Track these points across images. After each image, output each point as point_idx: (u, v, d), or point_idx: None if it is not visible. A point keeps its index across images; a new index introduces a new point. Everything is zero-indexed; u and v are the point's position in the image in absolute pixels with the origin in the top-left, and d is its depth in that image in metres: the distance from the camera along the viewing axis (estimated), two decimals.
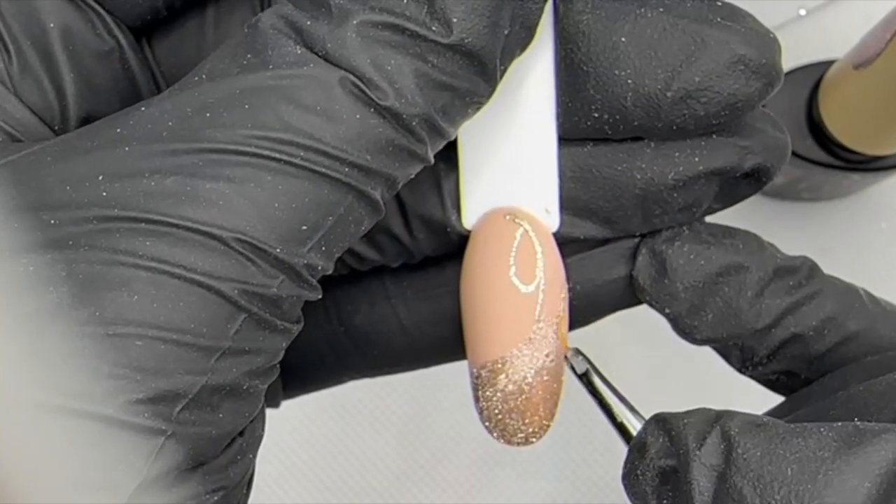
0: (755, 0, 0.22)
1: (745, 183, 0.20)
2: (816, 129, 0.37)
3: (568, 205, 0.20)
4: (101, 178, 0.15)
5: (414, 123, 0.16)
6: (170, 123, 0.15)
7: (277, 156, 0.15)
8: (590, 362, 0.20)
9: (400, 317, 0.22)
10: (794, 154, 0.37)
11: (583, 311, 0.21)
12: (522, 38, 0.17)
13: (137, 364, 0.14)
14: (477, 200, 0.20)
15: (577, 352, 0.20)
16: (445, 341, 0.22)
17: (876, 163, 0.37)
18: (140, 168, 0.15)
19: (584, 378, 0.20)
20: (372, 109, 0.16)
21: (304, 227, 0.15)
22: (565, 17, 0.18)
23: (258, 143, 0.15)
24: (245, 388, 0.16)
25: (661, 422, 0.18)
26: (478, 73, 0.16)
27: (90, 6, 0.18)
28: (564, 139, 0.19)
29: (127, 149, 0.15)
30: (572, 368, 0.20)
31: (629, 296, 0.21)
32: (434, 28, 0.16)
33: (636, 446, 0.19)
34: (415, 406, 0.40)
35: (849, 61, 0.34)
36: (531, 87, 0.19)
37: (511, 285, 0.19)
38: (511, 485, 0.39)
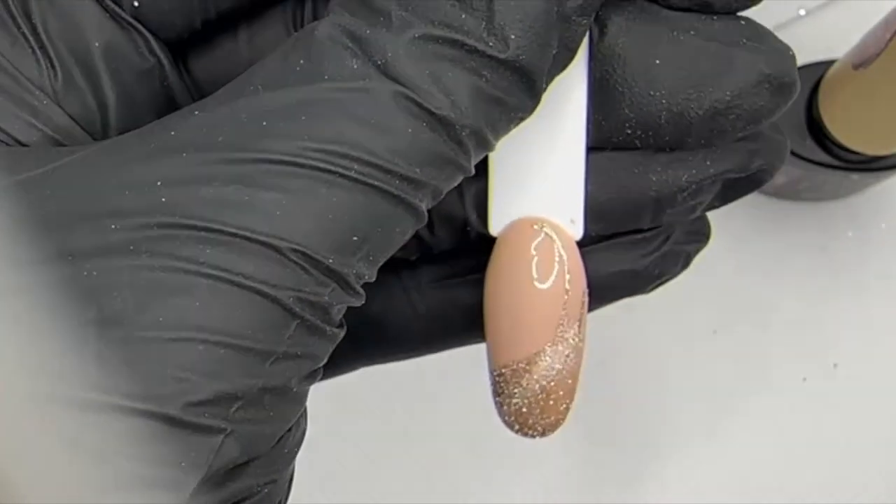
0: None
1: (745, 182, 0.21)
2: (816, 129, 0.37)
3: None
4: (159, 183, 0.15)
5: (464, 135, 0.16)
6: (225, 129, 0.16)
7: (333, 168, 0.16)
8: None
9: (415, 305, 0.22)
10: (794, 154, 0.37)
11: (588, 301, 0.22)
12: (565, 59, 0.18)
13: (199, 368, 0.15)
14: (505, 208, 0.21)
15: None
16: (457, 328, 0.22)
17: (876, 163, 0.37)
18: (198, 175, 0.15)
19: None
20: (425, 123, 0.16)
21: (355, 238, 0.16)
22: (601, 41, 0.19)
23: (314, 156, 0.16)
24: (294, 390, 0.17)
25: None
26: (526, 89, 0.17)
27: (133, 26, 0.18)
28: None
29: (185, 155, 0.16)
30: None
31: (633, 287, 0.22)
32: (491, 43, 0.16)
33: None
34: (415, 405, 0.40)
35: (849, 61, 0.34)
36: (564, 103, 0.20)
37: (537, 289, 0.20)
38: (510, 481, 0.39)
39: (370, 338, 0.23)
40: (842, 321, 0.40)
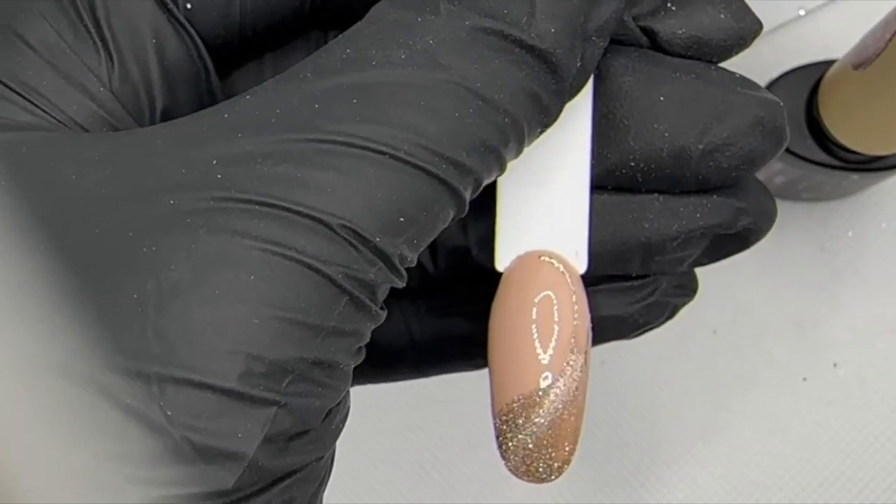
0: (755, 0, 0.22)
1: (732, 241, 0.22)
2: (816, 129, 0.37)
3: None
4: (215, 162, 0.16)
5: (506, 123, 0.17)
6: (277, 111, 0.16)
7: (382, 149, 0.16)
8: None
9: (412, 332, 0.23)
10: (795, 154, 0.37)
11: None
12: (581, 79, 0.18)
13: (254, 340, 0.15)
14: (511, 243, 0.21)
15: None
16: (452, 357, 0.23)
17: (876, 163, 0.37)
18: (252, 153, 0.16)
19: None
20: (471, 109, 0.17)
21: (402, 220, 0.16)
22: (606, 78, 0.20)
23: (365, 136, 0.16)
24: (341, 366, 0.17)
25: None
26: (556, 91, 0.18)
27: (186, 29, 0.19)
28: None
29: (239, 135, 0.16)
30: None
31: (616, 332, 0.23)
32: (533, 34, 0.17)
33: None
34: (415, 405, 0.40)
35: (848, 61, 0.34)
36: (570, 137, 0.20)
37: (548, 321, 0.20)
38: (508, 481, 0.39)
39: (366, 360, 0.23)
40: (842, 321, 0.40)
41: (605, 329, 0.23)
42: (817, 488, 0.39)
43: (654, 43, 0.20)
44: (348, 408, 0.18)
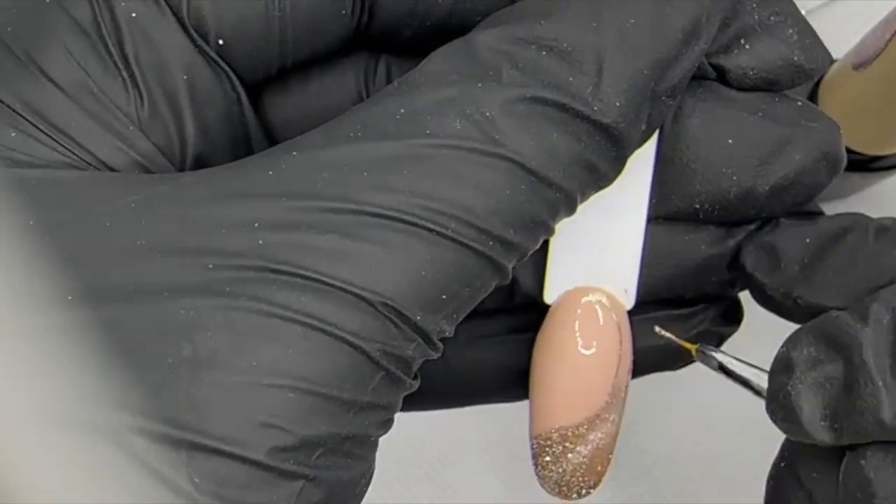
0: None
1: None
2: None
3: None
4: (256, 225, 0.15)
5: (558, 198, 0.17)
6: (325, 175, 0.16)
7: (431, 226, 0.16)
8: (719, 350, 0.21)
9: (448, 360, 0.23)
10: None
11: None
12: (645, 136, 0.18)
13: (287, 414, 0.15)
14: (561, 278, 0.21)
15: (703, 352, 0.21)
16: (486, 386, 0.23)
17: (876, 163, 0.37)
18: (297, 221, 0.15)
19: (721, 369, 0.21)
20: (524, 185, 0.16)
21: (444, 297, 0.16)
22: (675, 121, 0.20)
23: (414, 211, 0.16)
24: (371, 438, 0.17)
25: (802, 332, 0.18)
26: (616, 158, 0.17)
27: (218, 63, 0.18)
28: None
29: (284, 200, 0.16)
30: (708, 364, 0.21)
31: (665, 363, 0.23)
32: (596, 108, 0.16)
33: (778, 367, 0.19)
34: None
35: (848, 61, 0.34)
36: (631, 177, 0.20)
37: (592, 357, 0.20)
38: (508, 481, 0.39)
39: None
40: None
41: (653, 359, 0.22)
42: None
43: (722, 78, 0.20)
44: (372, 471, 0.18)
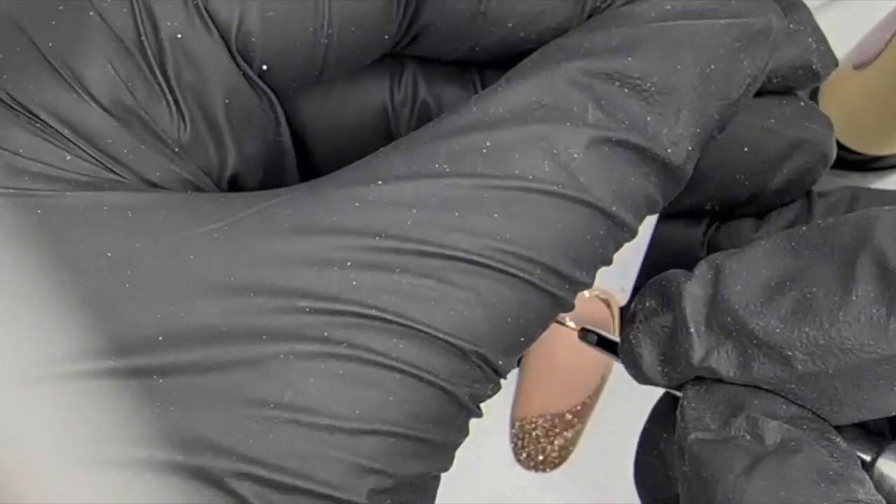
0: None
1: None
2: None
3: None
4: (349, 264, 0.15)
5: (626, 237, 0.17)
6: (415, 212, 0.16)
7: (520, 274, 0.16)
8: (595, 331, 0.22)
9: None
10: None
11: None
12: None
13: (387, 459, 0.16)
14: None
15: (585, 330, 0.22)
16: None
17: (876, 163, 0.37)
18: (390, 263, 0.16)
19: (599, 343, 0.22)
20: (601, 231, 0.16)
21: (523, 339, 0.17)
22: None
23: (503, 258, 0.16)
24: (446, 471, 0.17)
25: (646, 287, 0.19)
26: (672, 193, 0.17)
27: (261, 87, 0.18)
28: None
29: (377, 239, 0.16)
30: (587, 342, 0.22)
31: None
32: (670, 150, 0.17)
33: (627, 319, 0.20)
34: None
35: (849, 61, 0.34)
36: None
37: (584, 350, 0.21)
38: (508, 482, 0.39)
39: None
40: None
41: None
42: None
43: None
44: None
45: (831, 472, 0.15)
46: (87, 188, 0.16)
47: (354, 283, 0.15)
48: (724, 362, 0.17)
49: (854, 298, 0.16)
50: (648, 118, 0.16)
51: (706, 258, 0.18)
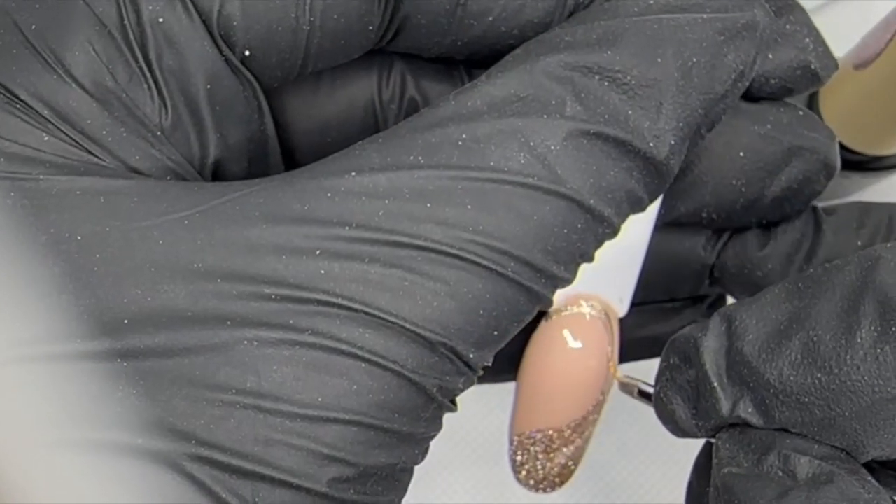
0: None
1: None
2: None
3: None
4: (318, 253, 0.15)
5: (607, 233, 0.17)
6: (386, 202, 0.16)
7: (492, 266, 0.16)
8: (636, 383, 0.21)
9: None
10: None
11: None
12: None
13: (349, 447, 0.16)
14: None
15: (627, 382, 0.22)
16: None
17: (876, 163, 0.37)
18: (360, 253, 0.15)
19: (640, 394, 0.21)
20: (580, 224, 0.16)
21: (496, 333, 0.16)
22: None
23: (475, 249, 0.16)
24: (417, 464, 0.17)
25: (668, 345, 0.19)
26: (658, 190, 0.17)
27: (242, 72, 0.18)
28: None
29: (346, 229, 0.15)
30: (627, 392, 0.22)
31: (653, 352, 0.23)
32: (652, 143, 0.16)
33: (657, 377, 0.20)
34: None
35: (849, 61, 0.34)
36: None
37: (582, 363, 0.21)
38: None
39: None
40: None
41: (642, 349, 0.23)
42: None
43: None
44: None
45: (863, 503, 0.15)
46: (62, 171, 0.16)
47: (322, 272, 0.15)
48: (750, 411, 0.17)
49: (859, 340, 0.16)
50: (629, 112, 0.16)
51: (719, 310, 0.18)
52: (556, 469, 0.21)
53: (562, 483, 0.22)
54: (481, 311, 0.16)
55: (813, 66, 0.20)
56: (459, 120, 0.16)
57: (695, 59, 0.17)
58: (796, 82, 0.20)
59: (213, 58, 0.17)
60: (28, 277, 0.15)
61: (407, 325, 0.16)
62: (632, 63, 0.16)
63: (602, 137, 0.16)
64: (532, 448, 0.21)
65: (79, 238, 0.15)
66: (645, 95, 0.16)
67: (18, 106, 0.16)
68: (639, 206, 0.17)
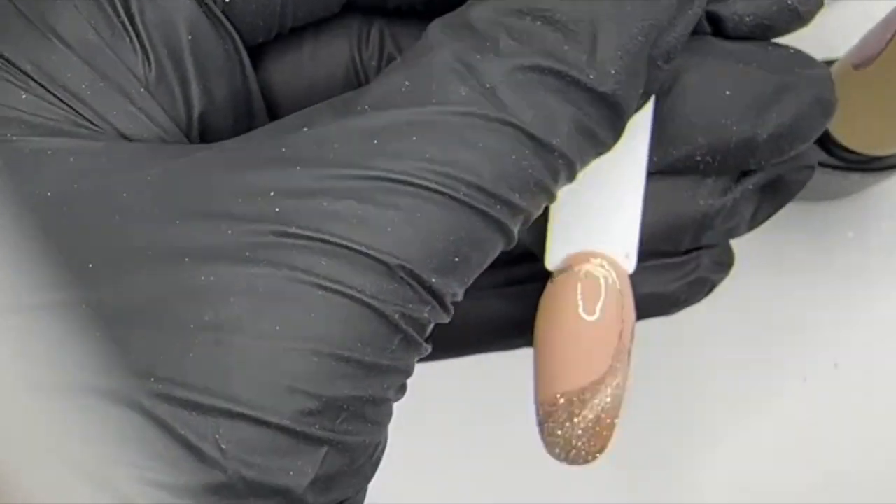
0: None
1: (774, 199, 0.23)
2: None
3: None
4: (272, 194, 0.16)
5: (560, 164, 0.17)
6: (336, 146, 0.16)
7: (443, 189, 0.16)
8: None
9: None
10: None
11: None
12: (642, 102, 0.18)
13: (311, 379, 0.15)
14: (562, 243, 0.21)
15: None
16: (486, 337, 0.23)
17: (876, 163, 0.37)
18: (312, 188, 0.16)
19: None
20: (528, 150, 0.16)
21: (456, 259, 0.16)
22: (672, 73, 0.20)
23: (425, 175, 0.16)
24: (390, 402, 0.17)
25: None
26: (613, 125, 0.17)
27: (222, 23, 0.18)
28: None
29: (298, 168, 0.16)
30: None
31: (658, 309, 0.23)
32: (592, 76, 0.17)
33: None
34: (416, 402, 0.40)
35: (849, 61, 0.34)
36: (628, 141, 0.20)
37: (596, 322, 0.21)
38: (509, 482, 0.39)
39: None
40: (842, 321, 0.40)
41: (647, 306, 0.23)
42: (817, 488, 0.39)
43: (718, 27, 0.20)
44: (386, 439, 0.19)
45: None
46: (36, 132, 0.17)
47: (277, 209, 0.15)
48: None
49: None
50: (565, 47, 0.16)
51: None
52: (585, 435, 0.21)
53: (596, 452, 0.21)
54: (437, 236, 0.16)
55: (791, 3, 0.20)
56: (400, 69, 0.17)
57: None
58: (775, 20, 0.20)
59: (193, 8, 0.18)
60: (0, 234, 0.15)
61: (363, 250, 0.16)
62: (561, 1, 0.17)
63: (538, 70, 0.16)
64: (555, 415, 0.21)
65: (48, 195, 0.16)
66: (577, 30, 0.17)
67: (0, 64, 0.17)
68: (596, 140, 0.18)
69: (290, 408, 0.15)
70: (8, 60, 0.17)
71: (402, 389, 0.18)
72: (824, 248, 0.41)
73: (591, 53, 0.17)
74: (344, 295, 0.16)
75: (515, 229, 0.17)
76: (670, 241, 0.22)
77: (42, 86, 0.17)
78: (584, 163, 0.18)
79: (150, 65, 0.18)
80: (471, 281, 0.17)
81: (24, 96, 0.17)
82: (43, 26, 0.17)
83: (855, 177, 0.38)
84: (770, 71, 0.20)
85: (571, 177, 0.18)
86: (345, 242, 0.16)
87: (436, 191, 0.16)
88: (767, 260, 0.40)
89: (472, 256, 0.17)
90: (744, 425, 0.40)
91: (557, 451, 0.21)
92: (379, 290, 0.16)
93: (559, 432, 0.21)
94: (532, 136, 0.16)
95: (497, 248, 0.17)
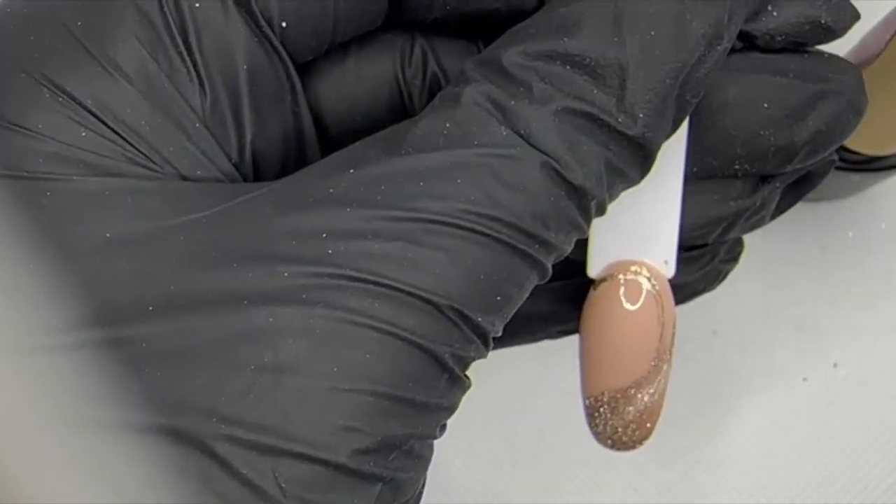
0: None
1: (796, 191, 0.23)
2: None
3: None
4: (324, 235, 0.16)
5: (591, 204, 0.18)
6: (383, 187, 0.16)
7: (486, 231, 0.17)
8: None
9: None
10: None
11: None
12: (671, 132, 0.19)
13: (367, 418, 0.16)
14: (604, 251, 0.22)
15: None
16: (516, 331, 0.23)
17: (876, 163, 0.37)
18: (362, 230, 0.16)
19: None
20: (563, 192, 0.17)
21: (499, 298, 0.17)
22: (710, 92, 0.20)
23: (469, 218, 0.16)
24: (435, 437, 0.18)
25: None
26: (642, 163, 0.18)
27: (276, 50, 0.19)
28: None
29: (348, 210, 0.16)
30: None
31: (679, 297, 0.23)
32: (621, 119, 0.17)
33: None
34: None
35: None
36: (666, 153, 0.20)
37: (635, 325, 0.22)
38: (511, 481, 0.39)
39: None
40: (842, 321, 0.40)
41: (679, 293, 0.23)
42: (817, 488, 0.39)
43: (751, 45, 0.20)
44: (427, 473, 0.19)
45: None
46: (95, 172, 0.17)
47: (330, 251, 0.16)
48: None
49: None
50: (594, 91, 0.17)
51: None
52: (630, 427, 0.22)
53: (641, 440, 0.23)
54: (482, 276, 0.17)
55: (823, 21, 0.20)
56: (440, 111, 0.17)
57: (653, 32, 0.17)
58: (806, 37, 0.20)
59: (250, 37, 0.18)
60: (59, 273, 0.16)
61: (414, 292, 0.16)
62: (590, 46, 0.17)
63: (572, 112, 0.17)
64: (601, 409, 0.22)
65: (107, 235, 0.16)
66: (607, 75, 0.17)
67: (61, 100, 0.17)
68: (625, 178, 0.18)
69: (347, 446, 0.16)
70: (70, 96, 0.17)
71: (444, 427, 0.18)
72: (824, 248, 0.41)
73: (619, 98, 0.17)
74: (397, 336, 0.16)
75: (549, 265, 0.18)
76: (699, 239, 0.23)
77: (102, 122, 0.17)
78: (614, 197, 0.18)
79: (206, 95, 0.18)
80: (510, 316, 0.18)
81: (83, 134, 0.17)
82: (104, 59, 0.17)
83: (855, 177, 0.38)
84: (806, 80, 0.20)
85: (601, 213, 0.18)
86: (397, 284, 0.16)
87: (480, 232, 0.16)
88: (767, 260, 0.40)
89: (512, 294, 0.17)
90: (743, 425, 0.40)
91: (604, 440, 0.23)
92: (429, 331, 0.16)
93: (605, 427, 0.22)
94: (566, 178, 0.17)
95: (533, 283, 0.18)
